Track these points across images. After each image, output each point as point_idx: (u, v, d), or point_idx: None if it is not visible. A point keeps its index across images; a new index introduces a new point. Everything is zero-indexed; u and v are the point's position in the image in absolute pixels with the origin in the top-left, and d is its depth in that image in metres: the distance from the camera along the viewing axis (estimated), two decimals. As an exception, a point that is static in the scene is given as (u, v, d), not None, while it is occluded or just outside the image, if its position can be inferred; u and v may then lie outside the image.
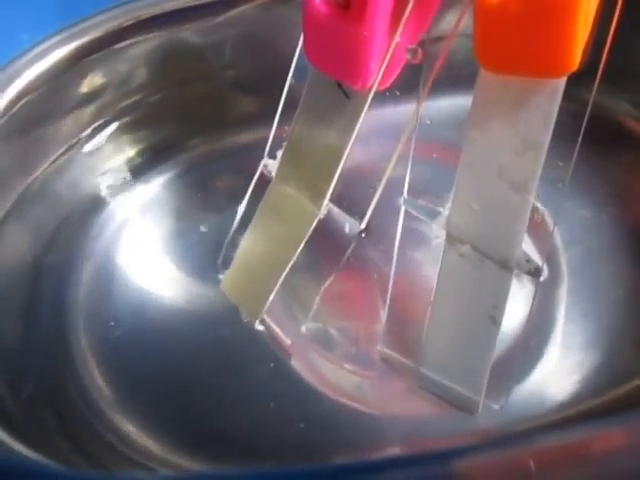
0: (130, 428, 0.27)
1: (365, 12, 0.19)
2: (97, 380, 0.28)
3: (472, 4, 0.17)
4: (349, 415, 0.26)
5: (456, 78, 0.25)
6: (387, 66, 0.21)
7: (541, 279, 0.22)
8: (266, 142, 0.27)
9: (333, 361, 0.28)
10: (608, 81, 0.20)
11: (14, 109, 0.28)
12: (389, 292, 0.26)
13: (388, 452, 0.25)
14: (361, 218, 0.25)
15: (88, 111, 0.31)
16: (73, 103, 0.31)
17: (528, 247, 0.23)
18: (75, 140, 0.31)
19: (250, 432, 0.26)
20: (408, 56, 0.21)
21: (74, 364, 0.28)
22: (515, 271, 0.22)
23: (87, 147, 0.32)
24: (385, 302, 0.26)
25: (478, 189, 0.21)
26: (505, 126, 0.20)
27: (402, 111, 0.30)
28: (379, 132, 0.28)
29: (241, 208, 0.28)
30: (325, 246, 0.27)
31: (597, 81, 0.19)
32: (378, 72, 0.21)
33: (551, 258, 0.29)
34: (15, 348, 0.27)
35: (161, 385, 0.28)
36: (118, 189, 0.33)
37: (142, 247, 0.32)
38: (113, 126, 0.32)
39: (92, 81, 0.30)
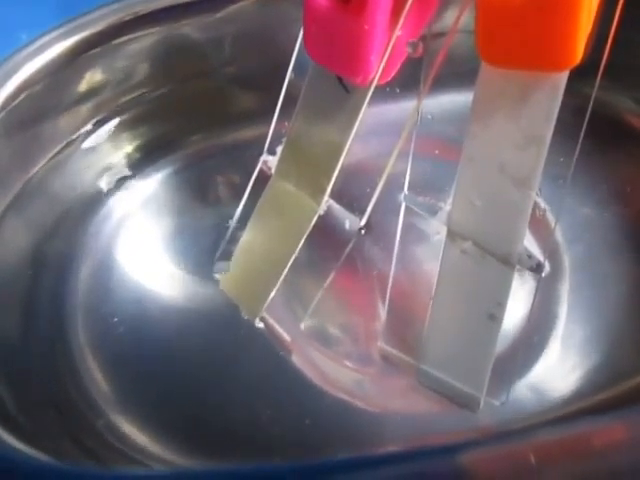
0: (129, 426, 0.26)
1: (366, 6, 0.19)
2: (96, 377, 0.28)
3: (474, -1, 0.17)
4: (350, 412, 0.26)
5: (458, 73, 0.24)
6: (388, 60, 0.21)
7: (543, 275, 0.22)
8: (266, 138, 0.27)
9: (333, 358, 0.28)
10: (610, 77, 0.19)
11: (13, 104, 0.28)
12: (389, 289, 0.26)
13: (389, 449, 0.25)
14: (361, 214, 0.25)
15: (87, 107, 0.31)
16: (72, 99, 0.30)
17: (530, 243, 0.23)
18: (74, 136, 0.31)
19: (250, 429, 0.26)
20: (409, 50, 0.21)
21: (73, 361, 0.28)
22: (517, 267, 0.22)
23: (86, 143, 0.32)
24: (385, 299, 0.26)
25: (480, 185, 0.21)
26: (507, 121, 0.20)
27: (403, 107, 0.30)
28: (379, 128, 0.28)
29: (241, 204, 0.28)
30: (325, 242, 0.27)
31: (599, 77, 0.19)
32: (379, 66, 0.21)
33: (553, 255, 0.29)
34: (14, 345, 0.27)
35: (160, 382, 0.28)
36: (117, 185, 0.33)
37: (141, 243, 0.32)
38: (112, 122, 0.32)
39: (91, 77, 0.30)
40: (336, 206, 0.25)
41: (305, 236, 0.25)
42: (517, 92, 0.19)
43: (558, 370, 0.27)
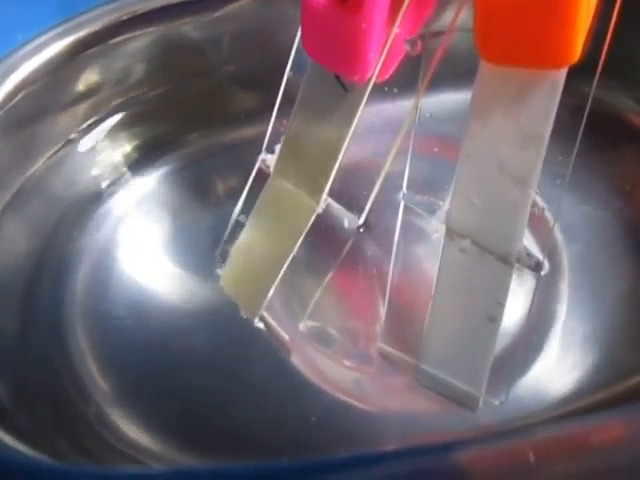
0: (127, 424, 0.26)
1: (363, 3, 0.19)
2: (94, 376, 0.28)
3: (472, -4, 0.17)
4: (349, 412, 0.26)
5: (456, 71, 0.24)
6: (386, 58, 0.20)
7: (542, 274, 0.22)
8: (264, 137, 0.27)
9: (332, 358, 0.28)
10: (609, 75, 0.19)
11: (10, 104, 0.28)
12: (388, 287, 0.26)
13: (388, 448, 0.25)
14: (360, 213, 0.25)
15: (85, 106, 0.31)
16: (70, 98, 0.30)
17: (529, 242, 0.23)
18: (72, 135, 0.31)
19: (248, 428, 0.26)
20: (407, 48, 0.21)
21: (71, 360, 0.28)
22: (516, 266, 0.22)
23: (84, 142, 0.32)
24: (384, 298, 0.26)
25: (478, 183, 0.21)
26: (506, 119, 0.20)
27: (401, 106, 0.30)
28: (378, 127, 0.28)
29: (239, 203, 0.28)
30: (324, 241, 0.27)
31: (597, 75, 0.19)
32: (377, 64, 0.21)
33: (552, 253, 0.29)
34: (12, 344, 0.27)
35: (159, 381, 0.28)
36: (115, 184, 0.33)
37: (140, 242, 0.32)
38: (110, 121, 0.32)
39: (89, 76, 0.30)
40: (335, 205, 0.25)
41: (303, 235, 0.25)
42: (516, 90, 0.19)
43: (557, 369, 0.27)
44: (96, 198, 0.32)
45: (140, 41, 0.31)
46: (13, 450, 0.21)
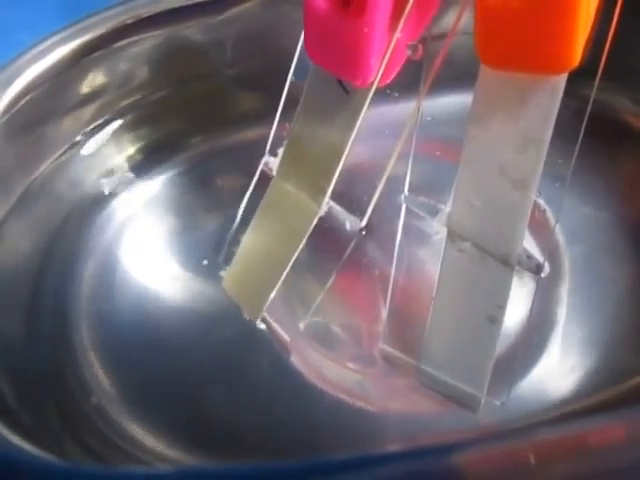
0: (131, 424, 0.27)
1: (365, 9, 0.19)
2: (99, 377, 0.28)
3: (473, 1, 0.17)
4: (350, 413, 0.26)
5: (457, 75, 0.24)
6: (388, 62, 0.21)
7: (542, 276, 0.22)
8: (267, 140, 0.27)
9: (334, 359, 0.28)
10: (609, 78, 0.19)
11: (16, 107, 0.28)
12: (390, 289, 0.26)
13: (389, 449, 0.25)
14: (362, 215, 0.25)
15: (89, 109, 0.31)
16: (74, 101, 0.31)
17: (529, 244, 0.23)
18: (77, 138, 0.32)
19: (251, 429, 0.26)
20: (409, 52, 0.21)
21: (76, 361, 0.28)
22: (516, 268, 0.22)
23: (89, 145, 0.32)
24: (386, 299, 0.26)
25: (479, 186, 0.21)
26: (506, 123, 0.20)
27: (402, 109, 0.30)
28: (379, 130, 0.28)
29: (242, 206, 0.28)
30: (326, 244, 0.27)
31: (598, 78, 0.19)
32: (379, 68, 0.21)
33: (552, 255, 0.29)
34: (18, 345, 0.27)
35: (163, 381, 0.28)
36: (120, 187, 0.33)
37: (144, 245, 0.32)
38: (115, 124, 0.32)
39: (93, 79, 0.30)
40: (337, 207, 0.25)
41: (306, 237, 0.25)
42: (516, 94, 0.19)
43: (558, 370, 0.27)
44: (100, 200, 0.33)
45: (144, 44, 0.31)
46: (20, 449, 0.21)
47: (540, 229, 0.27)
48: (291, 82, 0.26)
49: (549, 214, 0.28)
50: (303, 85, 0.24)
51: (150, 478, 0.20)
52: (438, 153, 0.32)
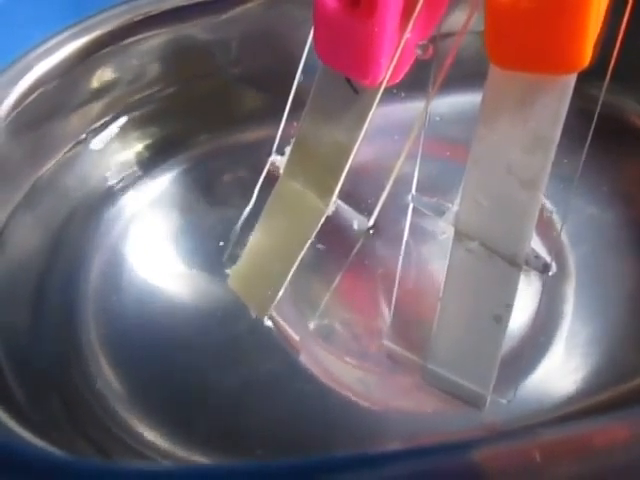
0: (136, 420, 0.27)
1: (376, 8, 0.19)
2: (105, 373, 0.28)
3: (483, 0, 0.18)
4: (356, 411, 0.26)
5: (466, 74, 0.25)
6: (397, 62, 0.21)
7: (550, 274, 0.22)
8: (273, 139, 0.27)
9: (340, 357, 0.28)
10: (615, 78, 0.20)
11: (24, 103, 0.28)
12: (396, 288, 0.26)
13: (396, 447, 0.26)
14: (369, 215, 0.25)
15: (97, 106, 0.31)
16: (82, 98, 0.31)
17: (535, 244, 0.23)
18: (84, 135, 0.32)
19: (257, 427, 0.26)
20: (418, 52, 0.21)
21: (82, 357, 0.28)
22: (524, 267, 0.22)
23: (95, 142, 0.32)
24: (392, 298, 0.26)
25: (487, 186, 0.21)
26: (515, 123, 0.20)
27: (410, 108, 0.30)
28: (386, 130, 0.28)
29: (249, 205, 0.28)
30: (333, 243, 0.27)
31: (607, 79, 0.20)
32: (388, 68, 0.21)
33: (558, 255, 0.29)
34: (24, 341, 0.27)
35: (169, 379, 0.28)
36: (126, 184, 0.33)
37: (150, 242, 0.32)
38: (122, 121, 0.32)
39: (101, 76, 0.31)
40: (344, 206, 0.25)
41: (313, 236, 0.25)
42: (525, 94, 0.19)
43: (564, 369, 0.27)
44: (107, 197, 0.33)
45: (151, 42, 0.31)
46: (26, 443, 0.21)
47: (546, 229, 0.27)
48: (297, 81, 0.26)
49: (555, 214, 0.28)
50: (310, 84, 0.24)
51: (155, 475, 0.20)
52: (447, 153, 0.32)
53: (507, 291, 0.22)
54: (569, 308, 0.28)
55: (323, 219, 0.25)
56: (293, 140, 0.26)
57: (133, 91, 0.32)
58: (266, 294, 0.27)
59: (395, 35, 0.20)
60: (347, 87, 0.23)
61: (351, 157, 0.23)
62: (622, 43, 0.19)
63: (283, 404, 0.27)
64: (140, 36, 0.30)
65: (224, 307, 0.29)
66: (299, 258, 0.25)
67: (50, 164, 0.30)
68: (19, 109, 0.28)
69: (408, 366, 0.26)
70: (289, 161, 0.26)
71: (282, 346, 0.28)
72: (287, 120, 0.26)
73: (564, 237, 0.30)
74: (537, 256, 0.22)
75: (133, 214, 0.33)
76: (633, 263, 0.29)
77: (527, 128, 0.20)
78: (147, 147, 0.34)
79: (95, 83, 0.31)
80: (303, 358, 0.28)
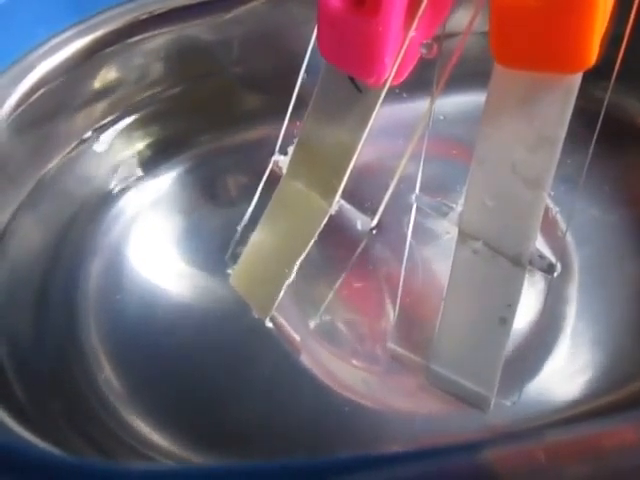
0: (137, 420, 0.27)
1: (380, 7, 0.19)
2: (106, 373, 0.28)
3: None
4: (359, 412, 0.26)
5: (470, 74, 0.24)
6: (401, 61, 0.21)
7: (554, 275, 0.22)
8: (276, 138, 0.27)
9: (343, 358, 0.28)
10: (620, 79, 0.19)
11: (28, 102, 0.28)
12: (400, 289, 0.26)
13: (398, 448, 0.25)
14: (373, 215, 0.25)
15: (101, 105, 0.31)
16: (86, 97, 0.31)
17: (539, 244, 0.23)
18: (88, 134, 0.32)
19: (258, 428, 0.26)
20: (423, 51, 0.21)
21: (84, 357, 0.28)
22: (528, 268, 0.22)
23: (99, 141, 0.32)
24: (395, 299, 0.26)
25: (491, 185, 0.21)
26: (520, 122, 0.20)
27: (414, 108, 0.30)
28: (391, 129, 0.28)
29: (252, 204, 0.28)
30: (336, 243, 0.27)
31: (613, 79, 0.19)
32: (392, 67, 0.21)
33: (562, 255, 0.29)
34: (26, 340, 0.27)
35: (170, 379, 0.28)
36: (128, 184, 0.33)
37: (152, 242, 0.32)
38: (125, 120, 0.32)
39: (105, 75, 0.31)
40: (347, 206, 0.25)
41: (316, 236, 0.25)
42: (530, 93, 0.19)
43: (568, 370, 0.27)
44: (110, 197, 0.33)
45: (155, 41, 0.31)
46: (27, 443, 0.21)
47: (550, 229, 0.27)
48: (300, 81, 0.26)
49: (559, 215, 0.28)
50: (313, 83, 0.24)
51: (156, 475, 0.20)
52: (451, 153, 0.32)
53: (511, 291, 0.22)
54: (573, 309, 0.28)
55: (326, 219, 0.25)
56: (296, 140, 0.26)
57: (136, 90, 0.32)
58: (268, 294, 0.27)
59: (399, 34, 0.20)
60: (351, 86, 0.23)
61: (354, 157, 0.23)
62: (627, 43, 0.19)
63: (284, 404, 0.27)
64: (144, 35, 0.30)
65: (225, 307, 0.29)
66: (302, 258, 0.25)
67: (53, 163, 0.31)
68: (22, 108, 0.28)
69: (411, 367, 0.26)
70: (292, 161, 0.26)
71: (284, 346, 0.28)
72: (290, 120, 0.26)
73: (568, 237, 0.30)
74: (542, 256, 0.22)
75: (136, 214, 0.33)
76: (637, 263, 0.29)
77: (532, 127, 0.20)
78: (150, 146, 0.34)
79: (98, 82, 0.31)
80: (305, 358, 0.28)
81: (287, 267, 0.26)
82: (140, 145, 0.34)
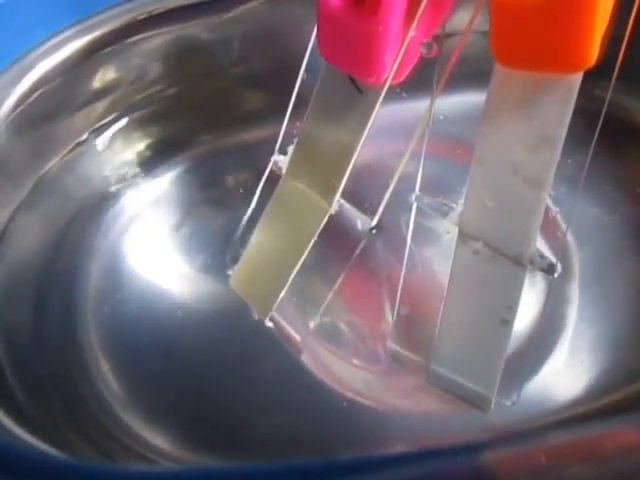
0: (137, 421, 0.27)
1: (380, 7, 0.19)
2: (105, 374, 0.28)
3: (488, -2, 0.17)
4: (359, 412, 0.26)
5: (470, 74, 0.24)
6: (401, 60, 0.21)
7: (555, 275, 0.22)
8: (275, 138, 0.27)
9: (343, 358, 0.28)
10: (620, 78, 0.19)
11: (27, 102, 0.28)
12: (400, 289, 0.26)
13: (398, 448, 0.25)
14: (373, 214, 0.25)
15: (100, 105, 0.31)
16: (85, 97, 0.31)
17: (540, 244, 0.23)
18: (86, 134, 0.32)
19: (258, 428, 0.26)
20: (423, 50, 0.21)
21: (83, 357, 0.28)
22: (529, 268, 0.22)
23: (98, 141, 0.32)
24: (396, 299, 0.26)
25: (492, 185, 0.21)
26: (520, 122, 0.20)
27: (413, 108, 0.30)
28: (391, 129, 0.28)
29: (252, 204, 0.28)
30: (336, 242, 0.27)
31: (614, 78, 0.19)
32: (392, 67, 0.21)
33: (563, 256, 0.29)
34: (26, 341, 0.27)
35: (169, 380, 0.28)
36: (128, 184, 0.33)
37: (151, 242, 0.32)
38: (124, 120, 0.32)
39: (104, 75, 0.31)
40: (347, 206, 0.25)
41: (316, 236, 0.25)
42: (531, 93, 0.19)
43: (569, 370, 0.27)
44: (109, 197, 0.33)
45: (154, 41, 0.31)
46: (26, 444, 0.21)
47: (551, 229, 0.27)
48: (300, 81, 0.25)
49: (560, 215, 0.28)
50: (312, 83, 0.24)
51: (157, 477, 0.20)
52: (450, 152, 0.32)
53: (512, 292, 0.22)
54: (574, 309, 0.28)
55: (326, 219, 0.25)
56: (296, 140, 0.26)
57: (135, 90, 0.32)
58: (268, 294, 0.27)
59: (399, 33, 0.20)
60: (351, 86, 0.23)
61: (354, 156, 0.23)
62: (628, 42, 0.19)
63: (285, 405, 0.27)
64: (143, 35, 0.30)
65: (226, 307, 0.29)
66: (302, 258, 0.25)
67: (52, 163, 0.30)
68: (21, 108, 0.28)
69: (412, 367, 0.26)
70: (292, 161, 0.26)
71: (284, 346, 0.28)
72: (290, 119, 0.26)
73: (569, 238, 0.30)
74: (542, 256, 0.22)
75: (135, 214, 0.33)
76: (638, 264, 0.29)
77: (532, 127, 0.20)
78: (149, 146, 0.34)
79: (98, 82, 0.31)
80: (305, 358, 0.28)
81: (287, 267, 0.26)
82: (139, 145, 0.33)
